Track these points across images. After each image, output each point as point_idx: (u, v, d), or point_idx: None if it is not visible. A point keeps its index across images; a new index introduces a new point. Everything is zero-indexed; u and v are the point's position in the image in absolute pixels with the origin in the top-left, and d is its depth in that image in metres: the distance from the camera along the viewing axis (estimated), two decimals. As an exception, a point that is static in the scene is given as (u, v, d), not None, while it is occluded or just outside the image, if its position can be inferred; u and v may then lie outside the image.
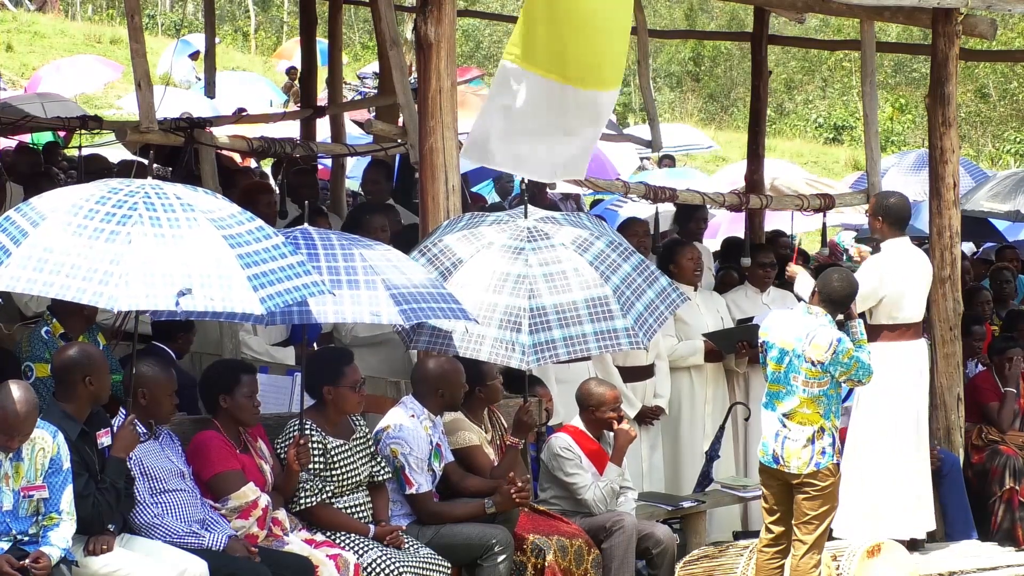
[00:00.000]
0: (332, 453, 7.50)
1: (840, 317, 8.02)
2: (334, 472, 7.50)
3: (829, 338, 7.79)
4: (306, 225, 7.45)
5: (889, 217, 9.44)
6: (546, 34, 8.08)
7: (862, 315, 9.43)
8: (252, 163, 16.04)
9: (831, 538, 8.79)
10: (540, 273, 7.69)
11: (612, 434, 8.50)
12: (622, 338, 7.68)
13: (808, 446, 7.83)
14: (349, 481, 7.56)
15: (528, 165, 8.44)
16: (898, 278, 9.32)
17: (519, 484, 7.77)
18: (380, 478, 7.69)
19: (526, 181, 8.94)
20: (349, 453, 7.57)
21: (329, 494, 7.51)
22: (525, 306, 7.59)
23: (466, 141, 8.32)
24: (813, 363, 7.78)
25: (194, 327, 8.41)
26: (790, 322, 7.95)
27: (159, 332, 8.17)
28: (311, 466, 7.43)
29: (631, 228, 10.20)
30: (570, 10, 8.08)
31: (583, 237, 7.95)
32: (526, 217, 8.03)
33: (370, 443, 7.71)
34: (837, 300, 7.97)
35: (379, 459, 7.70)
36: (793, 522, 7.98)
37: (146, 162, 8.66)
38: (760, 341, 8.07)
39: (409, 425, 7.73)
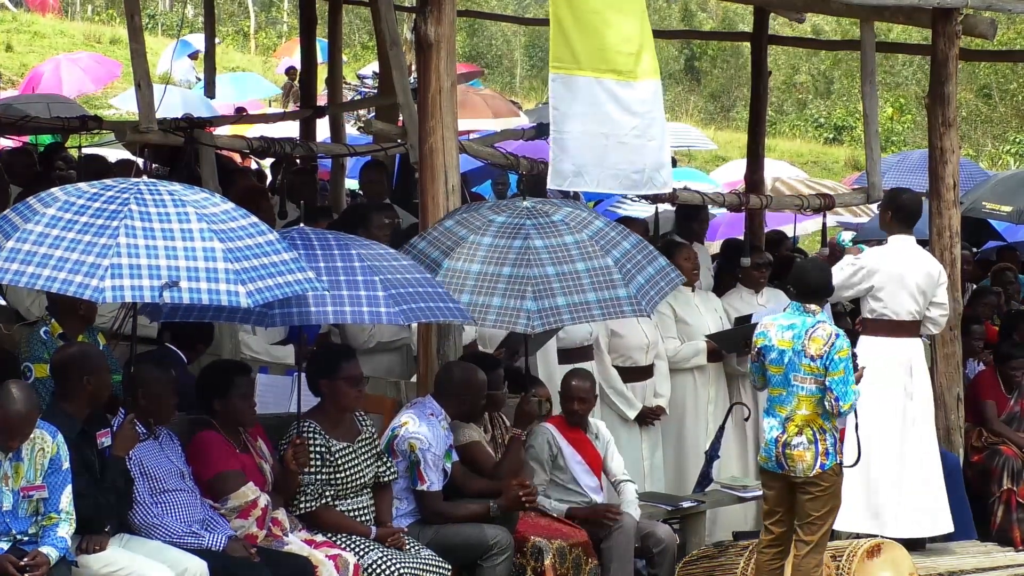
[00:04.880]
0: (336, 456, 7.49)
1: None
2: (338, 476, 7.50)
3: (828, 332, 7.79)
4: (302, 225, 7.45)
5: (899, 212, 9.47)
6: (578, 33, 8.07)
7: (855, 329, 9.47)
8: (254, 164, 16.03)
9: (834, 537, 8.79)
10: (541, 244, 7.72)
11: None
12: (625, 306, 7.70)
13: (811, 448, 7.81)
14: (353, 484, 7.54)
15: (620, 179, 8.38)
16: (892, 272, 9.31)
17: (527, 485, 7.81)
18: (386, 479, 7.69)
19: (524, 180, 8.94)
20: (353, 456, 7.55)
21: (330, 497, 7.50)
22: (528, 274, 7.62)
23: (550, 170, 8.29)
24: (812, 358, 7.78)
25: (213, 337, 8.35)
26: (787, 322, 7.94)
27: (177, 337, 8.11)
28: (315, 471, 7.42)
29: (629, 228, 10.17)
30: (588, 5, 8.09)
31: (581, 216, 8.01)
32: (524, 199, 8.10)
33: (376, 444, 7.70)
34: (816, 289, 7.97)
35: (385, 459, 7.69)
36: (796, 522, 7.96)
37: (147, 162, 8.68)
38: (757, 347, 8.05)
39: (429, 422, 7.76)
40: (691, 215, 11.26)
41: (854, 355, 7.89)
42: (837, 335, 7.81)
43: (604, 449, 8.59)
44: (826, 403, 7.77)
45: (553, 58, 8.12)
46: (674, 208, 11.41)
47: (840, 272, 9.33)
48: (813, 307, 7.91)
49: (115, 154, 15.90)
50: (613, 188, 8.66)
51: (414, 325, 8.85)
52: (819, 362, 7.77)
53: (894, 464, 9.30)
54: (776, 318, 8.06)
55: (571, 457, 8.40)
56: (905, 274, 9.37)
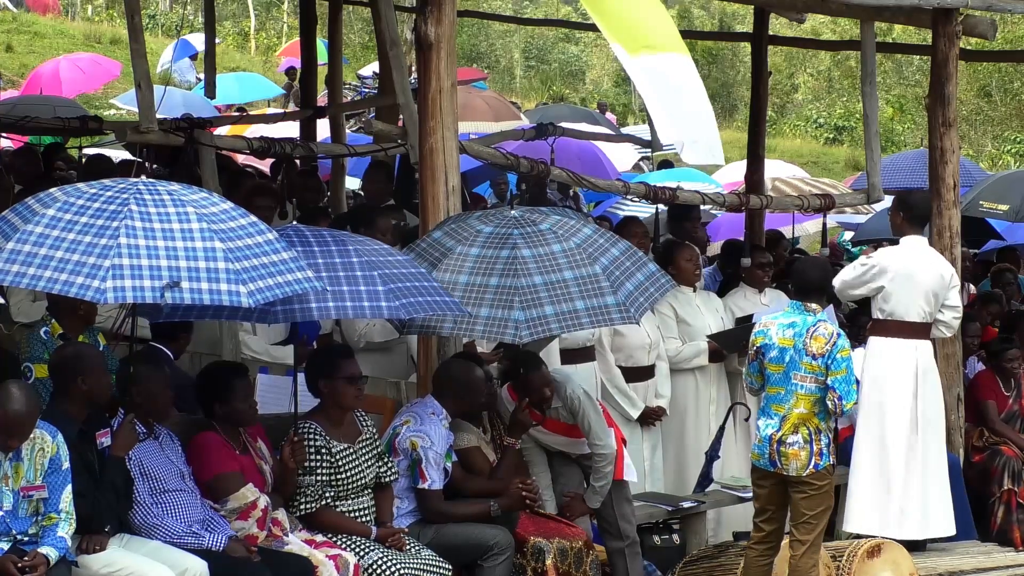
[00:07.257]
0: (337, 457, 7.49)
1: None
2: (338, 476, 7.50)
3: (830, 331, 7.82)
4: (295, 222, 7.44)
5: (912, 213, 9.45)
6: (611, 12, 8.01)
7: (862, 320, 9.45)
8: (260, 164, 16.03)
9: (835, 536, 8.80)
10: (529, 254, 7.72)
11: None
12: (614, 313, 7.67)
13: (806, 447, 7.83)
14: (354, 485, 7.54)
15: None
16: (903, 273, 9.28)
17: (529, 484, 7.83)
18: (387, 479, 7.69)
19: (525, 181, 8.93)
20: (354, 457, 7.55)
21: (331, 497, 7.50)
22: (515, 284, 7.61)
23: (687, 147, 8.10)
24: (814, 357, 7.79)
25: (192, 326, 8.40)
26: (788, 321, 7.95)
27: (159, 332, 8.17)
28: (316, 472, 7.43)
29: (629, 229, 10.18)
30: None
31: (569, 224, 8.00)
32: (512, 208, 8.09)
33: (377, 444, 7.71)
34: (817, 287, 7.98)
35: (386, 460, 7.69)
36: (791, 523, 7.97)
37: (144, 162, 8.67)
38: (756, 345, 8.05)
39: (431, 421, 7.77)
40: (681, 216, 11.24)
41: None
42: (839, 334, 7.85)
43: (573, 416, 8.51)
44: (828, 402, 7.78)
45: (628, 44, 7.91)
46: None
47: (852, 270, 9.34)
48: (813, 305, 7.93)
49: (118, 154, 15.91)
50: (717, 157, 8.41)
51: None
52: (820, 361, 7.79)
53: (903, 466, 9.28)
54: (776, 317, 8.07)
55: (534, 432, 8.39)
56: (916, 275, 9.34)
